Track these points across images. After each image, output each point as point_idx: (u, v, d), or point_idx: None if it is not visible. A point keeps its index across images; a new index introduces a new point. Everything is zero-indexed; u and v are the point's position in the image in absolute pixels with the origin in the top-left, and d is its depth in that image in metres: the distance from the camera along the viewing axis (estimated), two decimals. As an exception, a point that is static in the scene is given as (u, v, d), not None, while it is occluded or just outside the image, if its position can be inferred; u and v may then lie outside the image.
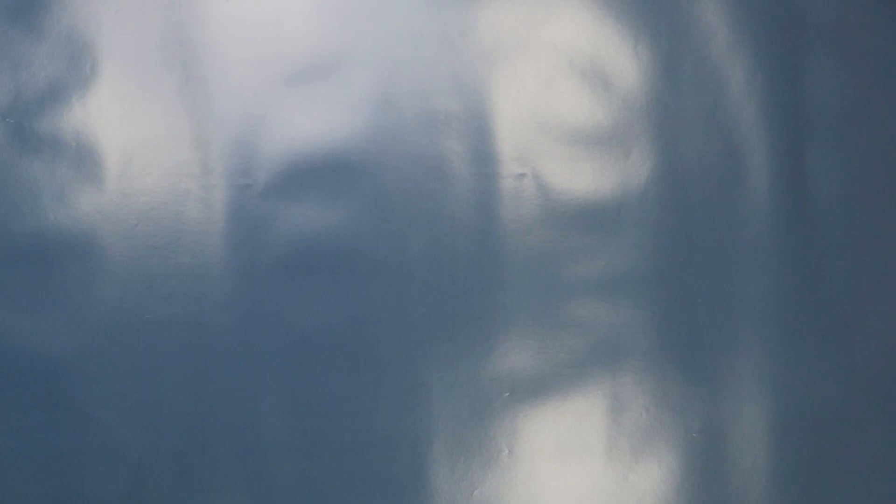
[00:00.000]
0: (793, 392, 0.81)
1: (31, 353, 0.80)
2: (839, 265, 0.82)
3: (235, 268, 0.80)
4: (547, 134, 0.81)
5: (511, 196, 0.81)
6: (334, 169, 0.80)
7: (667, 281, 0.81)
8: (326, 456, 0.79)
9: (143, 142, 0.81)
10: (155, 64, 0.81)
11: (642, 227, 0.81)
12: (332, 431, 0.79)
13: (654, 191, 0.81)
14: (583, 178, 0.81)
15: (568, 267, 0.80)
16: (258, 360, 0.79)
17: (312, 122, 0.81)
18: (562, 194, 0.81)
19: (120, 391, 0.80)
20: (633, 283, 0.81)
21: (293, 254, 0.80)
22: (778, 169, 0.82)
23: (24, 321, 0.80)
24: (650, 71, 0.82)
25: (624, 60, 0.82)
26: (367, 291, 0.80)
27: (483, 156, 0.81)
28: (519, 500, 0.81)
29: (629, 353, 0.81)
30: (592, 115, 0.82)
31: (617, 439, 0.81)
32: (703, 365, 0.81)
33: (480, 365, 0.80)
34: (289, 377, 0.80)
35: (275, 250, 0.80)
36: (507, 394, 0.80)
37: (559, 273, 0.80)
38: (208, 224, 0.80)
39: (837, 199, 0.82)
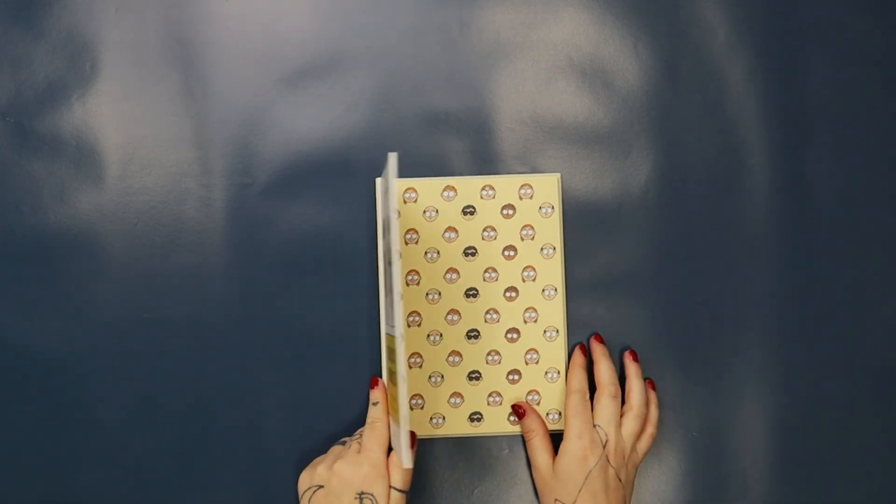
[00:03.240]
0: (793, 392, 0.81)
1: (29, 352, 0.80)
2: (839, 265, 0.82)
3: (235, 266, 0.80)
4: (547, 133, 0.82)
5: (511, 195, 0.80)
6: (334, 168, 0.80)
7: (667, 281, 0.81)
8: (326, 455, 0.79)
9: (143, 141, 0.81)
10: (155, 63, 0.81)
11: (642, 226, 0.81)
12: (331, 431, 0.79)
13: (654, 190, 0.81)
14: (582, 177, 0.81)
15: (567, 266, 0.80)
16: (258, 359, 0.79)
17: (312, 121, 0.81)
18: (561, 193, 0.81)
19: (120, 390, 0.80)
20: (633, 283, 0.81)
21: (293, 253, 0.80)
22: (778, 169, 0.82)
23: (22, 320, 0.80)
24: (650, 71, 0.82)
25: (624, 60, 0.82)
26: (368, 290, 0.80)
27: (483, 155, 0.81)
28: (519, 499, 0.81)
29: (629, 352, 0.81)
30: (592, 114, 0.82)
31: (617, 439, 0.81)
32: (703, 365, 0.81)
33: (480, 364, 0.80)
34: (289, 376, 0.80)
35: (275, 249, 0.80)
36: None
37: (559, 272, 0.80)
38: (208, 223, 0.80)
39: (837, 199, 0.82)
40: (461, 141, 0.81)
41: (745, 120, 0.82)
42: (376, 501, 0.70)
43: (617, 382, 0.77)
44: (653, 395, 0.79)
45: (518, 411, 0.77)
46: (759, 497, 0.81)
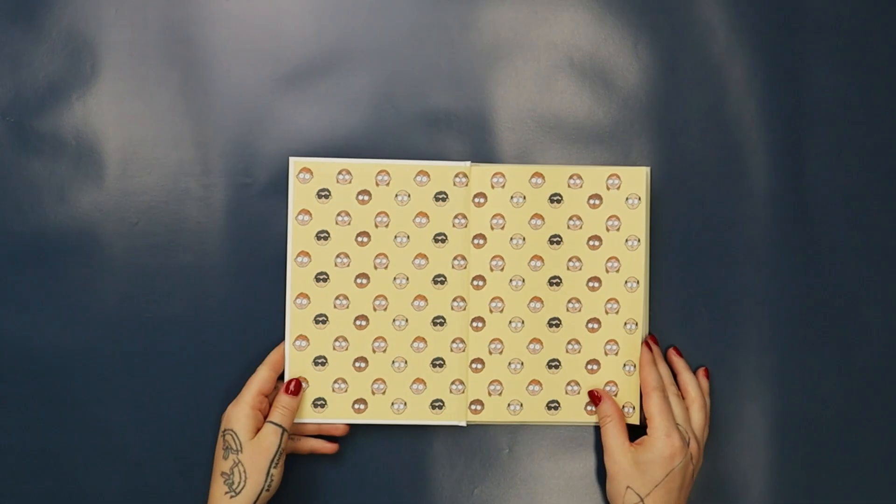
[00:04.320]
0: (793, 392, 0.81)
1: (30, 352, 0.80)
2: (839, 265, 0.82)
3: (235, 266, 0.80)
4: (547, 133, 0.82)
5: (511, 195, 0.80)
6: (334, 168, 0.80)
7: (667, 281, 0.81)
8: (325, 455, 0.79)
9: (143, 141, 0.81)
10: (155, 63, 0.81)
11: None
12: (331, 431, 0.79)
13: (653, 190, 0.81)
14: (583, 177, 0.82)
15: (568, 266, 0.80)
16: (258, 358, 0.79)
17: (312, 121, 0.81)
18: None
19: (120, 390, 0.80)
20: (633, 282, 0.81)
21: (293, 253, 0.80)
22: (778, 169, 0.82)
23: (23, 320, 0.80)
24: (650, 70, 0.82)
25: (624, 60, 0.82)
26: (367, 290, 0.79)
27: (483, 154, 0.81)
28: (519, 499, 0.81)
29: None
30: (592, 114, 0.82)
31: (617, 438, 0.81)
32: (704, 365, 0.81)
33: (480, 364, 0.80)
34: (288, 376, 0.80)
35: (275, 249, 0.79)
36: (507, 393, 0.80)
37: (559, 272, 0.80)
38: (208, 223, 0.80)
39: (837, 199, 0.82)
40: (461, 141, 0.81)
41: (745, 120, 0.82)
42: (237, 436, 0.72)
43: (674, 382, 0.78)
44: (705, 384, 0.80)
45: (594, 397, 0.77)
46: (759, 497, 0.81)
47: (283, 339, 0.78)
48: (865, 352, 0.81)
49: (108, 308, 0.80)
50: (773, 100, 0.82)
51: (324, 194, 0.77)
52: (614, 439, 0.75)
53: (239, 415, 0.73)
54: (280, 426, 0.73)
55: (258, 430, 0.73)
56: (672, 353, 0.80)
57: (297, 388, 0.76)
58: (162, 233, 0.80)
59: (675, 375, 0.79)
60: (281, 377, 0.78)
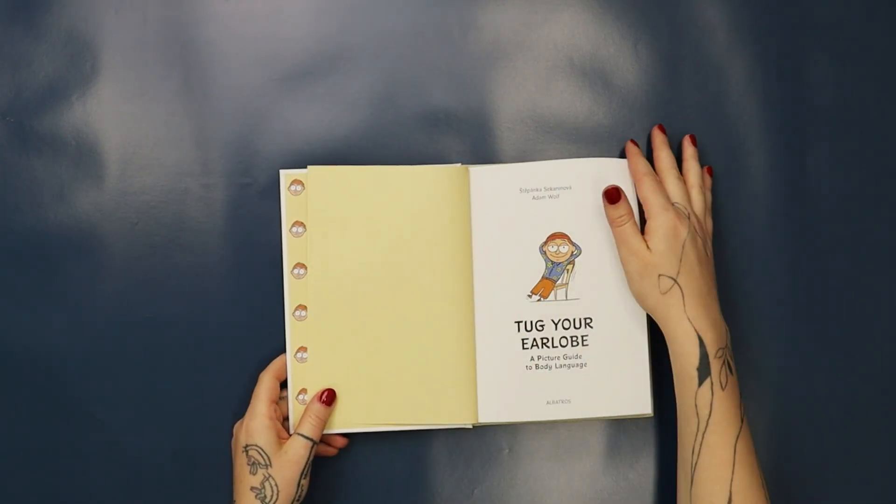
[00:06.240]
0: (793, 392, 0.81)
1: (29, 352, 0.80)
2: (839, 265, 0.82)
3: (235, 266, 0.80)
4: (547, 132, 0.82)
5: (511, 195, 0.80)
6: (334, 168, 0.80)
7: (667, 281, 0.81)
8: (325, 457, 0.79)
9: (143, 141, 0.81)
10: (155, 63, 0.81)
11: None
12: (331, 431, 0.79)
13: (654, 190, 0.81)
14: (583, 177, 0.81)
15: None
16: (258, 358, 0.79)
17: (312, 121, 0.81)
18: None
19: (119, 390, 0.80)
20: (633, 282, 0.81)
21: (293, 253, 0.80)
22: (778, 169, 0.82)
23: (23, 320, 0.80)
24: (650, 71, 0.82)
25: (624, 60, 0.82)
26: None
27: (483, 154, 0.81)
28: (519, 499, 0.81)
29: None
30: (592, 114, 0.82)
31: (617, 438, 0.81)
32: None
33: (480, 364, 0.79)
34: (288, 376, 0.80)
35: (275, 249, 0.79)
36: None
37: (559, 272, 0.80)
38: (208, 223, 0.80)
39: (837, 198, 0.82)
40: (461, 141, 0.81)
41: (745, 120, 0.82)
42: (263, 451, 0.71)
43: (677, 167, 0.77)
44: (708, 180, 0.79)
45: (612, 195, 0.74)
46: (760, 497, 0.81)
47: (283, 340, 0.78)
48: (865, 351, 0.82)
49: (108, 308, 0.80)
50: (773, 100, 0.82)
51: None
52: (633, 238, 0.73)
53: (259, 428, 0.72)
54: (311, 440, 0.73)
55: (279, 438, 0.73)
56: (684, 140, 0.80)
57: (330, 397, 0.75)
58: (162, 233, 0.80)
59: (681, 163, 0.79)
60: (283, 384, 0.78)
